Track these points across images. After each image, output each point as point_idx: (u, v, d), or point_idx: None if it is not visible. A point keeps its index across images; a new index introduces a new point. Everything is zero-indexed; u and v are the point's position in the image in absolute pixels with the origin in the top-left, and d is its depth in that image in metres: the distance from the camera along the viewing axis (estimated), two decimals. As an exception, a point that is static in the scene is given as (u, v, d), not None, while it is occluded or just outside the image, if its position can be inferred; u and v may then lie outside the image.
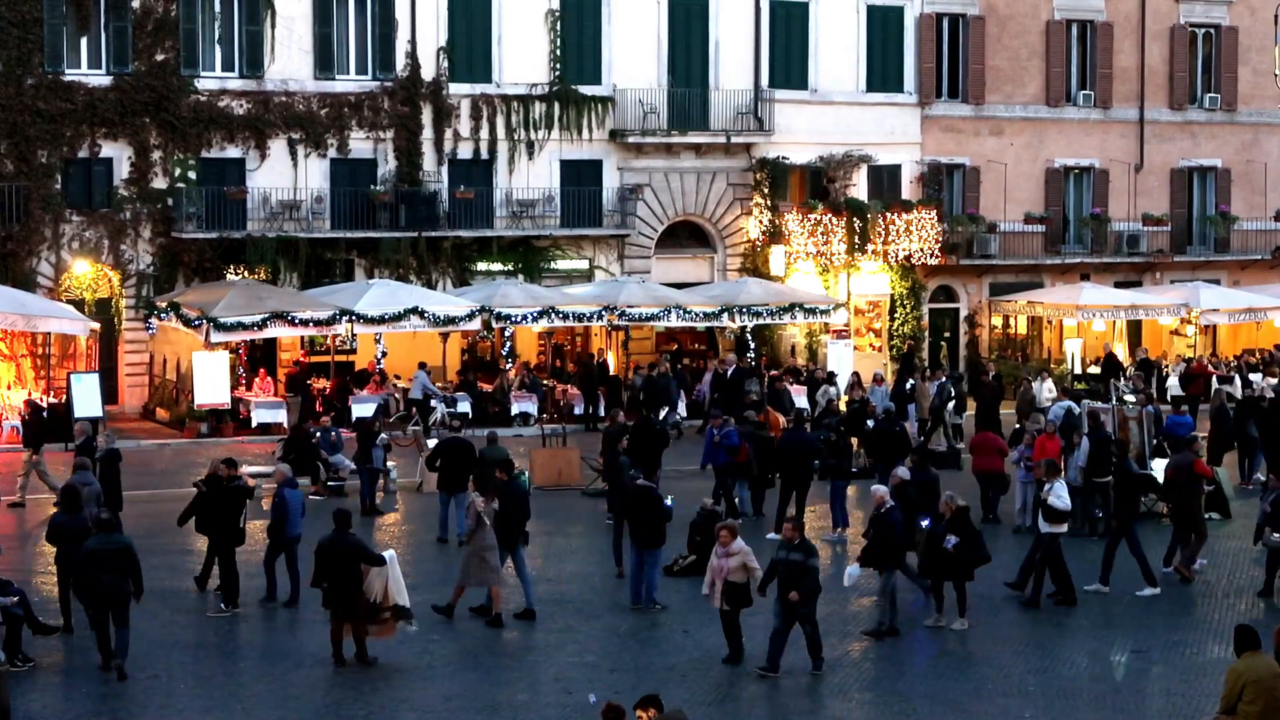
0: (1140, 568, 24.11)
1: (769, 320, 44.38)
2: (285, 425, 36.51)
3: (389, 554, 20.45)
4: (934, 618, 22.18)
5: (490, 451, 27.45)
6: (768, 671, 19.41)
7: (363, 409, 37.12)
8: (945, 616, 22.10)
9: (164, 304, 40.24)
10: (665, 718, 13.90)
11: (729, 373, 40.83)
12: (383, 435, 31.54)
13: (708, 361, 43.70)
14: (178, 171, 42.04)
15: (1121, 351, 49.53)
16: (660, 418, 35.65)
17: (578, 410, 41.23)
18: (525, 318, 41.24)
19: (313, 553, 20.24)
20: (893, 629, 21.67)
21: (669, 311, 42.56)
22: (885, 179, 49.12)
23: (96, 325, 39.59)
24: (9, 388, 39.59)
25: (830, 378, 40.59)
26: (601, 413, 39.26)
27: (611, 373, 42.66)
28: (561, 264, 45.61)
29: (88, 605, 19.72)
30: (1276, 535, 23.49)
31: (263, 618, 22.34)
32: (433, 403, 39.08)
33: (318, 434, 31.88)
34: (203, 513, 22.98)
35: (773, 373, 42.01)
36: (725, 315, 43.26)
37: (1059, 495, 23.15)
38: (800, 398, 40.32)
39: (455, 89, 44.59)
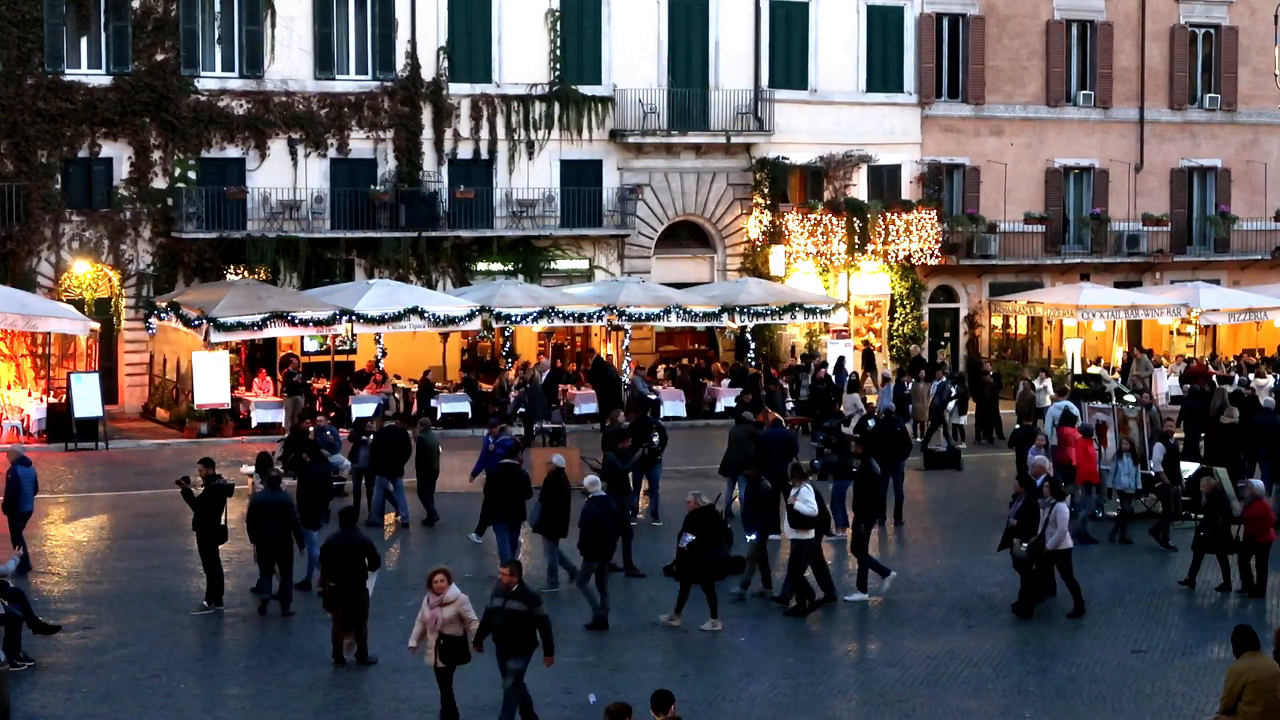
0: (860, 569, 23.71)
1: (769, 320, 44.38)
2: (284, 426, 36.49)
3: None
4: (669, 616, 21.82)
5: (428, 438, 29.01)
6: None
7: (363, 409, 37.12)
8: (681, 617, 21.71)
9: (164, 304, 40.26)
10: None
11: (544, 377, 40.29)
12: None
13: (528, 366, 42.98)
14: (178, 171, 42.05)
15: (1120, 352, 49.59)
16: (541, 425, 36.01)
17: (578, 410, 41.17)
18: (525, 318, 41.22)
19: (319, 551, 20.19)
20: (601, 620, 21.44)
21: (669, 311, 42.57)
22: (885, 179, 49.13)
23: (96, 325, 39.60)
24: (9, 388, 39.61)
25: (853, 384, 40.38)
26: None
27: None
28: (561, 264, 45.62)
29: (257, 550, 22.48)
30: (1025, 546, 22.72)
31: (262, 618, 22.34)
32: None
33: (312, 432, 31.74)
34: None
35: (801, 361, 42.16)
36: (725, 315, 43.28)
37: (805, 500, 22.41)
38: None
39: (455, 89, 44.60)
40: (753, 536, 23.41)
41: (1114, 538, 27.79)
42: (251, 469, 31.08)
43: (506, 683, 17.20)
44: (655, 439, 28.86)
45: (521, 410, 37.28)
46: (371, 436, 29.59)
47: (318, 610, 21.39)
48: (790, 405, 40.07)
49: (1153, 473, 28.87)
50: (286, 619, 22.17)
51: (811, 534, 22.58)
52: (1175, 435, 30.24)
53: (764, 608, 23.05)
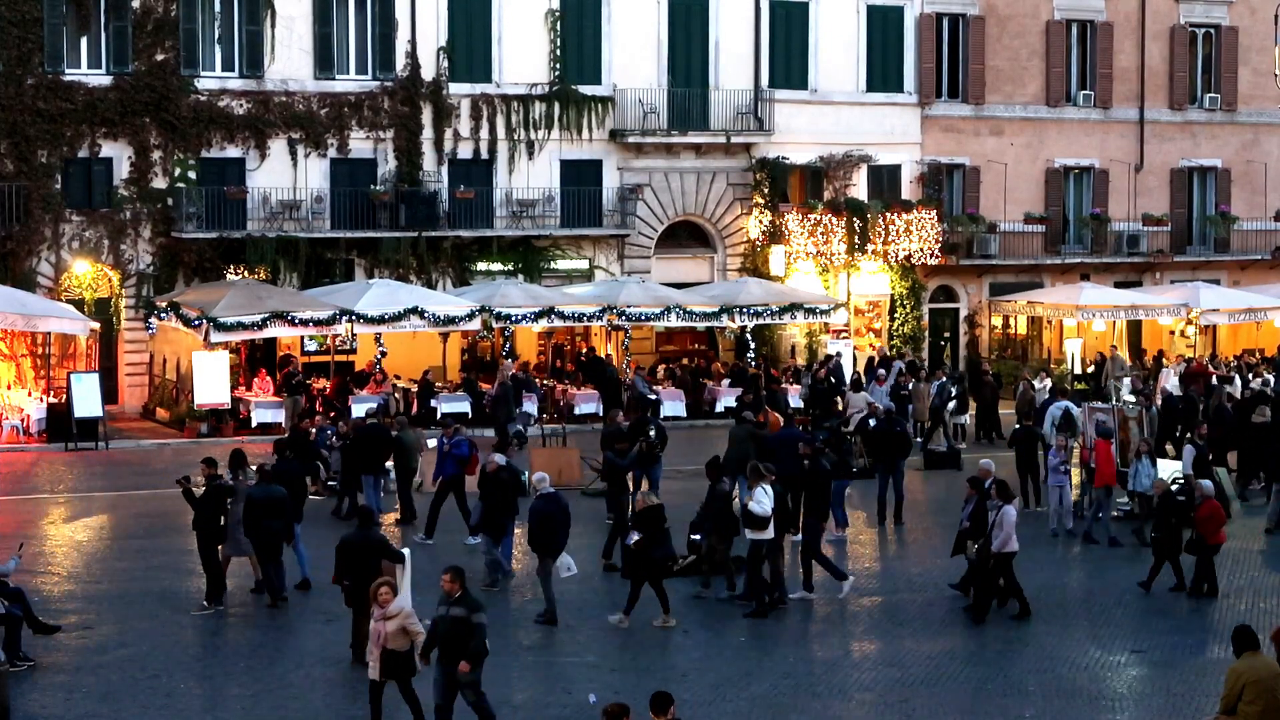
0: (826, 568, 23.69)
1: (769, 320, 44.39)
2: (284, 426, 36.49)
3: (405, 552, 20.45)
4: (618, 617, 21.77)
5: (405, 436, 29.13)
6: None
7: (363, 409, 37.08)
8: (664, 618, 21.72)
9: (164, 304, 40.26)
10: None
11: (509, 376, 40.06)
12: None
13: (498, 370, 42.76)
14: (178, 171, 42.06)
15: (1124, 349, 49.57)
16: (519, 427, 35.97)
17: (579, 410, 41.16)
18: (525, 318, 41.22)
19: (335, 550, 20.17)
20: (551, 616, 21.57)
21: (669, 311, 42.58)
22: (885, 179, 49.14)
23: (96, 325, 39.61)
24: (9, 388, 39.60)
25: (858, 384, 40.39)
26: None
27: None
28: (561, 264, 45.62)
29: (255, 545, 22.57)
30: (975, 548, 22.72)
31: (262, 618, 22.35)
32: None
33: (314, 432, 31.77)
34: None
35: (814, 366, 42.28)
36: (725, 315, 43.28)
37: (759, 501, 22.28)
38: (794, 398, 40.49)
39: (455, 89, 44.60)
40: (696, 537, 23.56)
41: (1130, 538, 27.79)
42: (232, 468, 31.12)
43: (468, 696, 16.81)
44: (653, 432, 28.89)
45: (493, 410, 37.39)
46: (336, 438, 29.71)
47: (317, 610, 21.36)
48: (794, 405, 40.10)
49: (1181, 476, 28.76)
50: (287, 619, 22.17)
51: (768, 534, 22.42)
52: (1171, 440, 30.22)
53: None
